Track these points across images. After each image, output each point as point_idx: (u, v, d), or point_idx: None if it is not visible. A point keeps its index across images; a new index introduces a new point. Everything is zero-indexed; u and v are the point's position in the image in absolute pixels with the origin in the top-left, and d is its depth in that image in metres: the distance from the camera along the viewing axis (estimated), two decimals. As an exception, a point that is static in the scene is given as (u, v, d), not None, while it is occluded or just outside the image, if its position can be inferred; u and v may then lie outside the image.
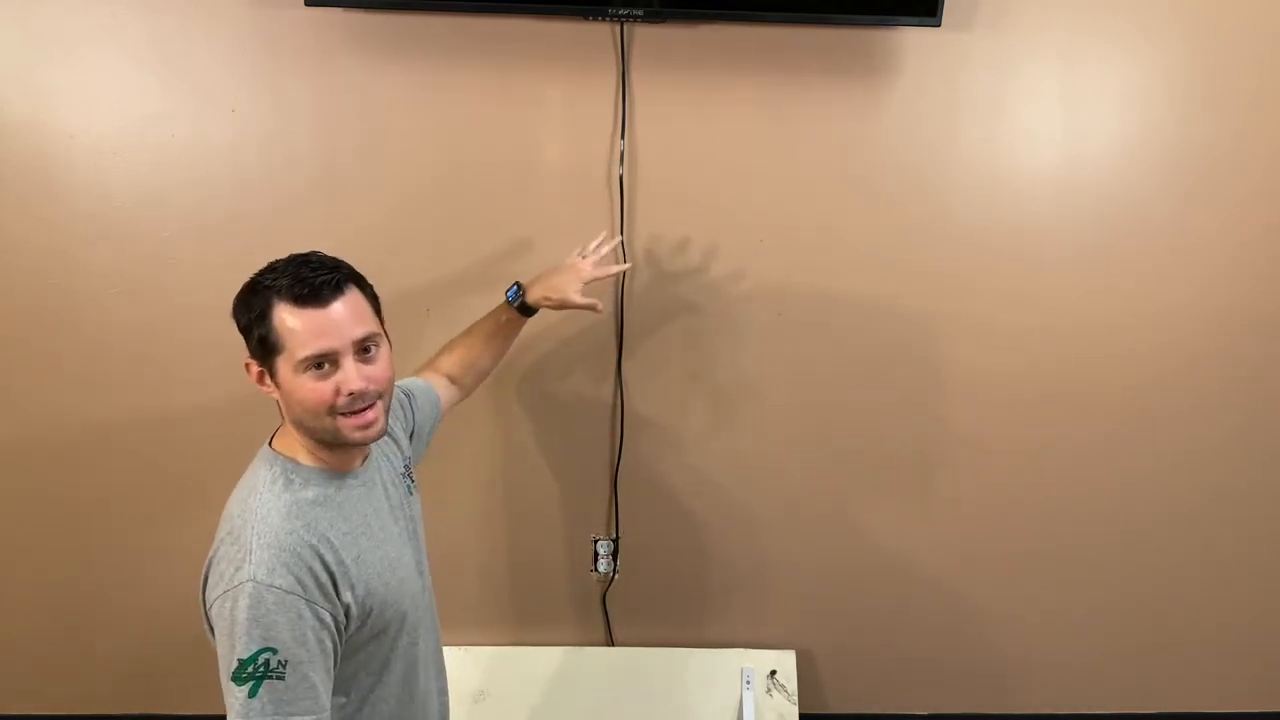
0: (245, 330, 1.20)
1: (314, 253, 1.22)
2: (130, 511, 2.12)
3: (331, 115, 1.87)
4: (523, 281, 1.71)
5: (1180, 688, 2.40)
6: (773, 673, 2.23)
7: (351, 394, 1.18)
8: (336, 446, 1.24)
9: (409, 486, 1.44)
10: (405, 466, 1.45)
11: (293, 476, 1.22)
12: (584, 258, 1.73)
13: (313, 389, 1.17)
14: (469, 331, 1.72)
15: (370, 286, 1.27)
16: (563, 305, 1.68)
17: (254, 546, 1.13)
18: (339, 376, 1.18)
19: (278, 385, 1.20)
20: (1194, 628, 2.34)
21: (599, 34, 1.84)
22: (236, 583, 1.12)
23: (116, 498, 2.10)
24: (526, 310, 1.70)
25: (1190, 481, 2.21)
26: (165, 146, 1.86)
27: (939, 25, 1.77)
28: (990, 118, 1.93)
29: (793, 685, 2.22)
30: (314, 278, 1.17)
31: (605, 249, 1.76)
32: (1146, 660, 2.36)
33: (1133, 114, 1.94)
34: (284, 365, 1.18)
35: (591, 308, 1.69)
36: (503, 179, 1.92)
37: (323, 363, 1.17)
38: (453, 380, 1.68)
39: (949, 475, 2.18)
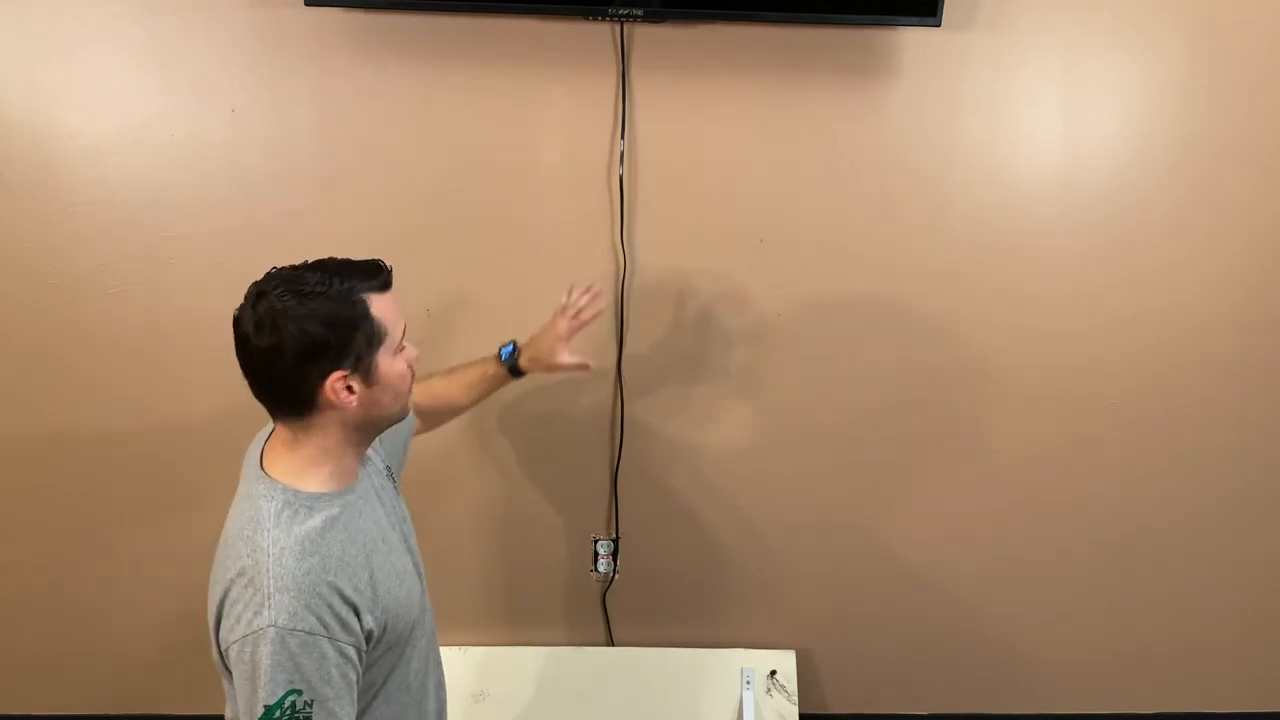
0: (345, 341, 1.16)
1: (305, 264, 1.20)
2: (130, 511, 2.12)
3: (331, 115, 1.86)
4: (519, 342, 1.69)
5: (1180, 688, 2.40)
6: (773, 673, 2.23)
7: (414, 361, 1.27)
8: (369, 440, 1.28)
9: (395, 488, 1.43)
10: (387, 467, 1.44)
11: (296, 507, 1.18)
12: (564, 310, 1.67)
13: (403, 370, 1.24)
14: (451, 372, 1.69)
15: None
16: (551, 369, 1.67)
17: (271, 590, 1.11)
18: (406, 351, 1.26)
19: (373, 382, 1.20)
20: (1194, 628, 2.34)
21: (599, 34, 1.84)
22: (256, 628, 1.10)
23: (116, 497, 2.10)
24: (516, 372, 1.69)
25: (1192, 481, 2.21)
26: (165, 146, 1.86)
27: (939, 25, 1.77)
28: (990, 117, 1.93)
29: (793, 685, 2.22)
30: (376, 266, 1.22)
31: (583, 300, 1.68)
32: (1146, 660, 2.37)
33: (1133, 113, 1.94)
34: (385, 354, 1.21)
35: (581, 368, 1.68)
36: (502, 179, 1.92)
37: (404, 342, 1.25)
38: (419, 411, 1.62)
39: (949, 475, 2.18)
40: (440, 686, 1.49)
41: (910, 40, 1.87)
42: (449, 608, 2.21)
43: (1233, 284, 2.06)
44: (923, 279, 2.02)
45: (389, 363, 1.21)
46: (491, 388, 1.71)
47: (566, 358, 1.66)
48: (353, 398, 1.18)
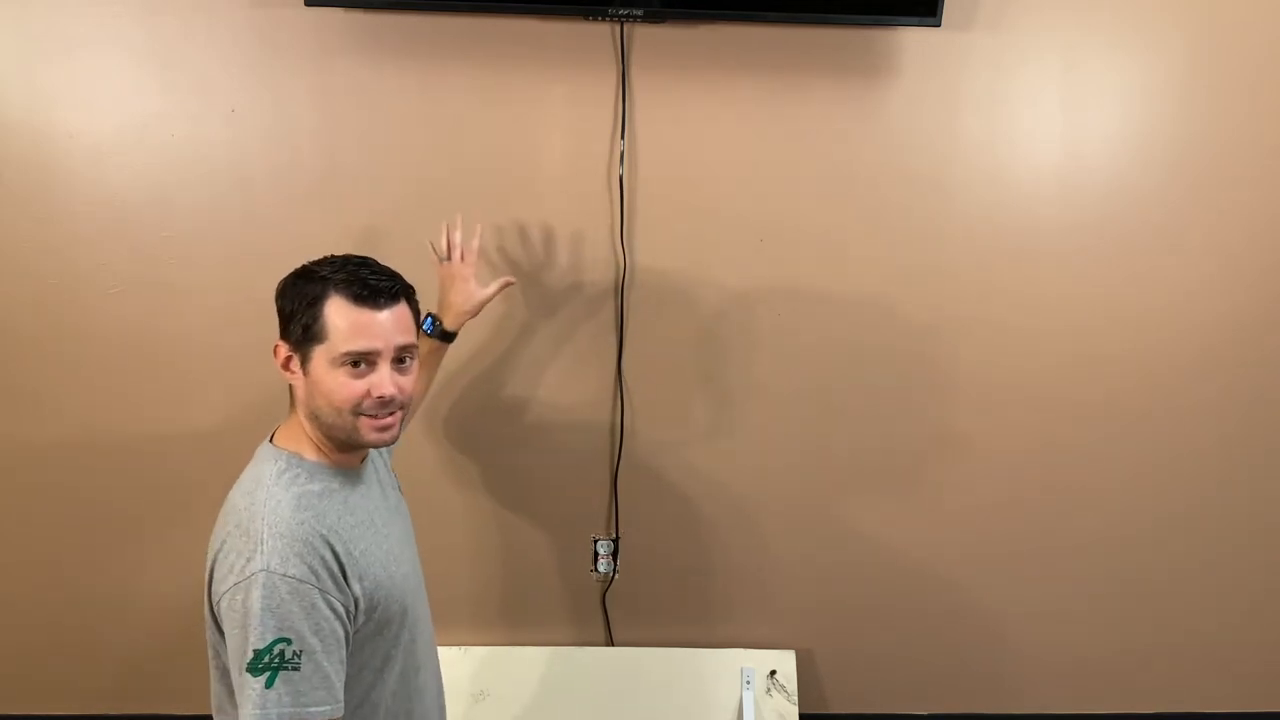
0: (289, 314, 1.22)
1: (370, 259, 1.26)
2: (130, 510, 2.11)
3: (331, 115, 1.87)
4: (433, 312, 1.70)
5: (1180, 688, 2.40)
6: (773, 673, 2.23)
7: (381, 398, 1.20)
8: (344, 445, 1.25)
9: (399, 487, 1.46)
10: (389, 467, 1.47)
11: (298, 470, 1.22)
12: (445, 260, 1.72)
13: (344, 384, 1.19)
14: None
15: (417, 303, 1.31)
16: (478, 308, 1.72)
17: (265, 537, 1.14)
18: (373, 378, 1.21)
19: (307, 373, 1.21)
20: (1194, 628, 2.34)
21: (599, 34, 1.84)
22: (248, 574, 1.12)
23: (116, 496, 2.10)
24: (447, 336, 1.70)
25: (1193, 480, 2.21)
26: (165, 146, 1.86)
27: (939, 25, 1.77)
28: (990, 118, 1.93)
29: (793, 685, 2.22)
30: (375, 281, 1.21)
31: (456, 237, 1.72)
32: (1146, 660, 2.37)
33: (1133, 113, 1.94)
34: (321, 356, 1.20)
35: (505, 286, 1.76)
36: (503, 179, 1.92)
37: (360, 362, 1.20)
38: None
39: (949, 475, 2.18)
40: (440, 693, 1.50)
41: (910, 40, 1.87)
42: (449, 607, 2.21)
43: (1233, 284, 2.06)
44: (923, 279, 2.02)
45: (323, 367, 1.20)
46: (433, 364, 1.73)
47: (485, 291, 1.72)
48: (292, 376, 1.24)
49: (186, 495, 2.09)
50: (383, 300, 1.21)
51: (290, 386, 1.27)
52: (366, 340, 1.19)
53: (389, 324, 1.21)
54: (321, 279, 1.20)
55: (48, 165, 1.86)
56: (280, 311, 1.24)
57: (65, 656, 2.23)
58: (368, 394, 1.20)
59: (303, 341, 1.21)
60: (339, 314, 1.19)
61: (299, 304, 1.20)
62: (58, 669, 2.24)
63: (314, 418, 1.23)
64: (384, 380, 1.20)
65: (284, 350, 1.24)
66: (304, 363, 1.22)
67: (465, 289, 1.70)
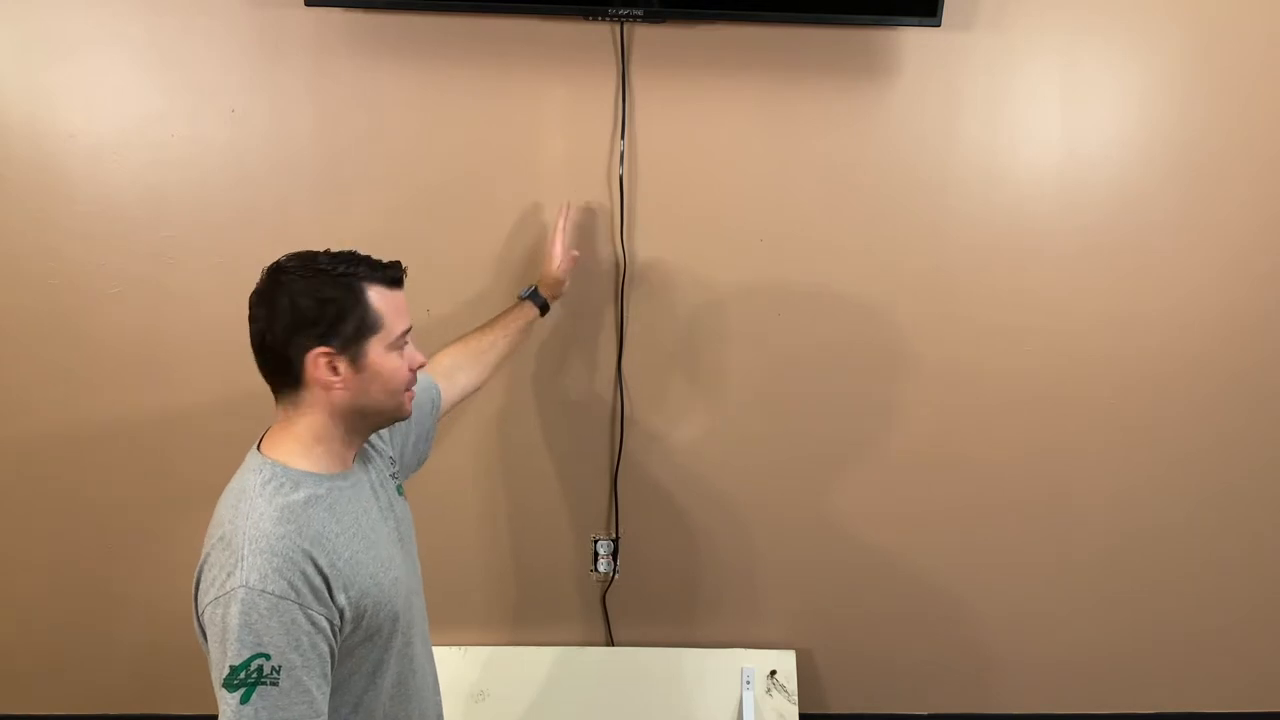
0: (336, 319, 1.20)
1: (327, 250, 1.26)
2: (130, 511, 2.12)
3: (331, 115, 1.87)
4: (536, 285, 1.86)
5: (1180, 688, 2.40)
6: (773, 673, 2.23)
7: (418, 368, 1.31)
8: (355, 440, 1.29)
9: (398, 488, 1.44)
10: (393, 467, 1.45)
11: (282, 480, 1.21)
12: (556, 248, 1.85)
13: (399, 366, 1.26)
14: (491, 324, 1.79)
15: None
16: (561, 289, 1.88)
17: (246, 552, 1.13)
18: (409, 352, 1.29)
19: (361, 369, 1.22)
20: (1193, 628, 2.34)
21: (599, 34, 1.84)
22: (228, 589, 1.11)
23: (115, 497, 2.10)
24: (544, 306, 1.85)
25: (1192, 480, 2.21)
26: (165, 146, 1.86)
27: (939, 25, 1.77)
28: (990, 118, 1.93)
29: (793, 685, 2.22)
30: (391, 264, 1.27)
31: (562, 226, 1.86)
32: (1145, 660, 2.37)
33: (1132, 113, 1.94)
34: (378, 345, 1.23)
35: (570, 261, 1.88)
36: (502, 179, 1.92)
37: (405, 340, 1.28)
38: (459, 369, 1.70)
39: (950, 475, 2.18)
40: (436, 692, 1.49)
41: (910, 40, 1.87)
42: (450, 608, 2.21)
43: (1232, 284, 2.06)
44: (922, 279, 2.02)
45: (381, 355, 1.24)
46: (528, 331, 1.85)
47: (567, 280, 1.88)
48: (337, 379, 1.21)
49: (187, 495, 2.09)
50: (401, 281, 1.28)
51: (293, 397, 1.23)
52: (407, 318, 1.28)
53: (405, 301, 1.29)
54: (347, 276, 1.22)
55: (48, 165, 1.86)
56: (315, 321, 1.19)
57: (68, 657, 2.23)
58: (409, 369, 1.29)
59: (354, 339, 1.21)
60: (382, 301, 1.24)
61: (345, 305, 1.20)
62: (61, 669, 2.24)
63: (358, 413, 1.25)
64: (416, 353, 1.31)
65: (327, 359, 1.20)
66: (355, 359, 1.21)
67: (560, 276, 1.85)
